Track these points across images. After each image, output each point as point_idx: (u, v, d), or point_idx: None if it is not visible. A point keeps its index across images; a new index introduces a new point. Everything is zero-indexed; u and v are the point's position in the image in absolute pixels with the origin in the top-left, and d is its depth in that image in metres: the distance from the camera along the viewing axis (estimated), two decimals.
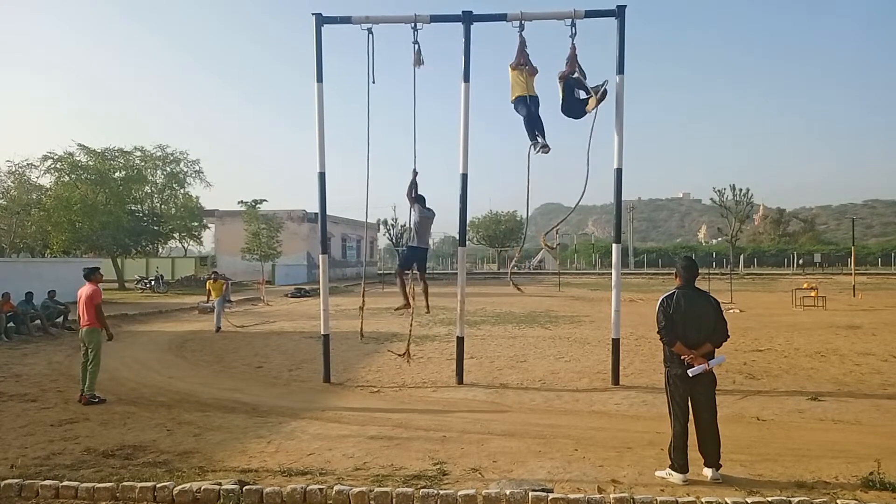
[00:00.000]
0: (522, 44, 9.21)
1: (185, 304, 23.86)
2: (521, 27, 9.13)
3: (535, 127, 9.08)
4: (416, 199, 9.36)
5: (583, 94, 9.04)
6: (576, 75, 9.10)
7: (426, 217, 9.32)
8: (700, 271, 5.76)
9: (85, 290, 8.66)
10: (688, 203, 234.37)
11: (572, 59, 9.10)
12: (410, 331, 10.14)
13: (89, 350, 8.44)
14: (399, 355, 9.83)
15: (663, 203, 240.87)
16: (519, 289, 12.44)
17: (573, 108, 9.09)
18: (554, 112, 9.33)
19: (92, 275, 8.77)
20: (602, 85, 8.90)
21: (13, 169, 34.65)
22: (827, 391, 8.56)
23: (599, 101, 8.87)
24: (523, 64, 9.22)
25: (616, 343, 9.32)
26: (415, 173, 9.47)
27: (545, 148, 9.04)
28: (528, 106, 9.12)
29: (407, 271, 9.42)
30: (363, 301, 10.95)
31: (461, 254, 9.82)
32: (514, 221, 74.66)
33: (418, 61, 9.44)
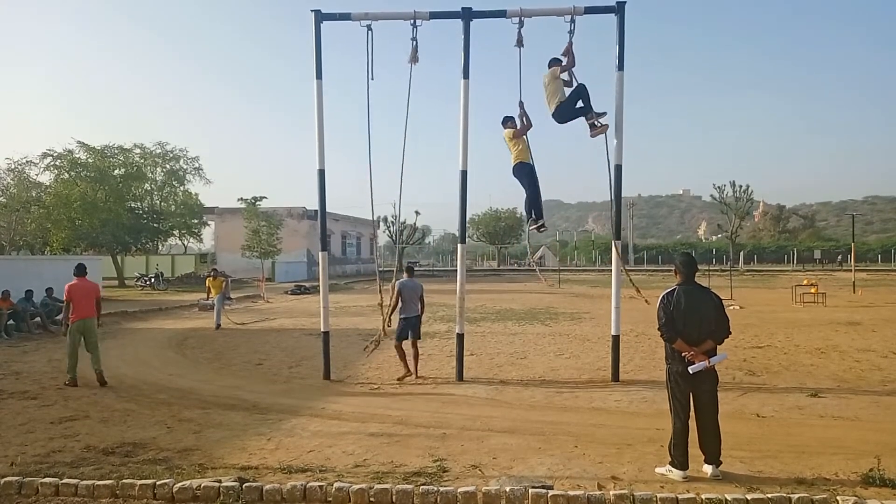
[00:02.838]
0: (522, 108, 9.41)
1: (185, 302, 23.88)
2: (521, 23, 9.11)
3: (536, 206, 9.44)
4: (406, 269, 10.14)
5: (580, 103, 9.03)
6: (570, 79, 9.10)
7: (409, 289, 9.64)
8: (700, 268, 5.74)
9: (89, 284, 9.39)
10: (688, 200, 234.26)
11: (570, 53, 9.06)
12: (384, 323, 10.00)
13: (91, 338, 9.21)
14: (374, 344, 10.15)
15: (663, 200, 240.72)
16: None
17: (566, 113, 9.06)
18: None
19: (86, 270, 9.52)
20: (603, 115, 8.98)
21: (13, 166, 34.64)
22: (827, 388, 8.56)
23: (600, 132, 8.98)
24: (523, 127, 9.38)
25: (616, 339, 9.33)
26: (394, 288, 9.65)
27: (542, 228, 9.56)
28: (534, 181, 9.43)
29: (405, 340, 9.61)
30: (381, 297, 10.85)
31: (461, 251, 9.82)
32: (513, 218, 74.63)
33: (414, 58, 9.44)
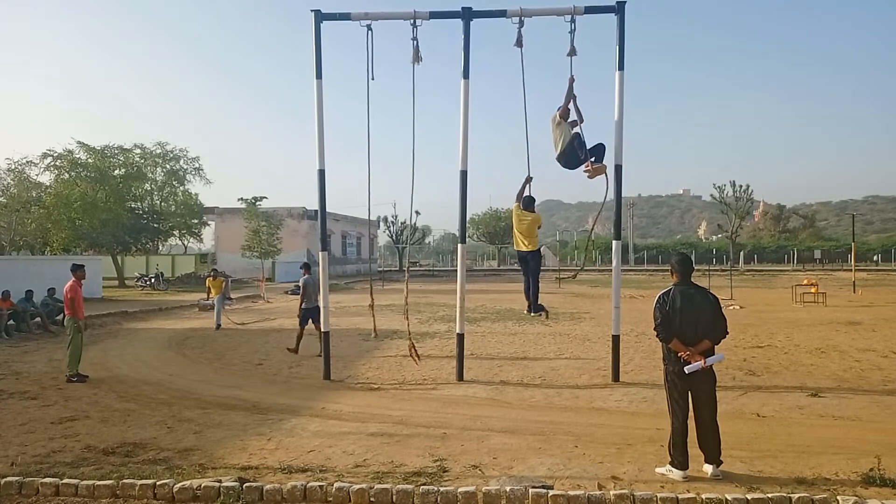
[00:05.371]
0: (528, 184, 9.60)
1: (185, 302, 23.87)
2: (521, 23, 9.11)
3: (537, 295, 9.77)
4: (303, 266, 12.44)
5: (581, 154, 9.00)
6: (576, 129, 9.03)
7: (312, 284, 11.90)
8: (700, 268, 5.75)
9: (67, 284, 9.86)
10: (688, 199, 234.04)
11: (569, 93, 8.99)
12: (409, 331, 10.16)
13: (67, 335, 9.67)
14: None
15: (663, 200, 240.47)
16: None
17: (571, 159, 9.03)
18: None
19: (75, 271, 9.93)
20: (600, 154, 8.96)
21: (13, 166, 34.62)
22: (827, 387, 8.56)
23: (599, 172, 8.95)
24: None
25: (616, 339, 9.32)
26: (303, 286, 12.08)
27: (544, 316, 10.15)
28: (539, 265, 9.96)
29: (308, 326, 12.00)
30: (372, 299, 11.05)
31: (461, 251, 9.82)
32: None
33: (417, 58, 9.44)
